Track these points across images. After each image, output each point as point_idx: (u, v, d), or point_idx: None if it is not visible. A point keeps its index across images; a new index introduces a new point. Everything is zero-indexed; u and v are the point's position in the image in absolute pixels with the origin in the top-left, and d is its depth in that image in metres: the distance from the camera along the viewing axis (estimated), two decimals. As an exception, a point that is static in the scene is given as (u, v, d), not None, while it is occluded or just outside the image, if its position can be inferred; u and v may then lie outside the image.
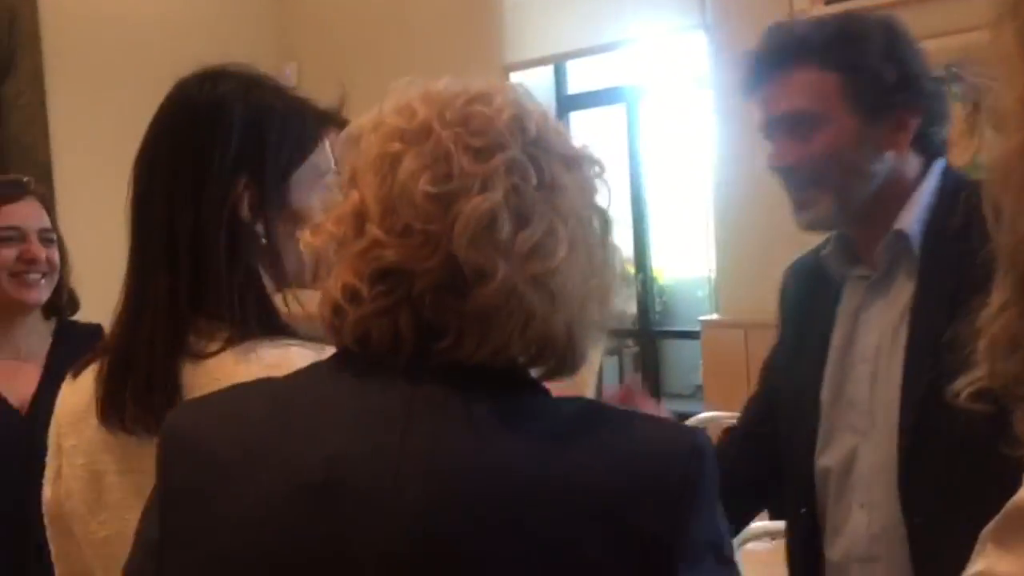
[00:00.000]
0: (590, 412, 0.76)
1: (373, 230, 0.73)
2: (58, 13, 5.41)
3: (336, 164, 1.05)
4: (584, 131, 6.49)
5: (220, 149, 0.99)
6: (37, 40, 5.37)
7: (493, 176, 0.73)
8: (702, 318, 5.53)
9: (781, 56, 1.40)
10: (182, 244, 0.99)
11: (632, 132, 6.21)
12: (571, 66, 4.76)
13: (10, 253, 1.60)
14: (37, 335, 1.70)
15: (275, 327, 1.00)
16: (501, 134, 0.74)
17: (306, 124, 1.03)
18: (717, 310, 5.67)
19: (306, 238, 0.80)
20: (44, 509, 1.09)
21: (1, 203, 1.63)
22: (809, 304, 1.51)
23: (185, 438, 0.78)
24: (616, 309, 0.78)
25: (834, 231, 1.46)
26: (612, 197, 0.80)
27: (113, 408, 0.99)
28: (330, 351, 0.89)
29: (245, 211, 1.00)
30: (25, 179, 1.69)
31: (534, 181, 0.74)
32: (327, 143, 1.05)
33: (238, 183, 0.99)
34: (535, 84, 6.09)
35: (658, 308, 6.67)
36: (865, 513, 1.38)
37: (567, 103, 6.67)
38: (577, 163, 0.78)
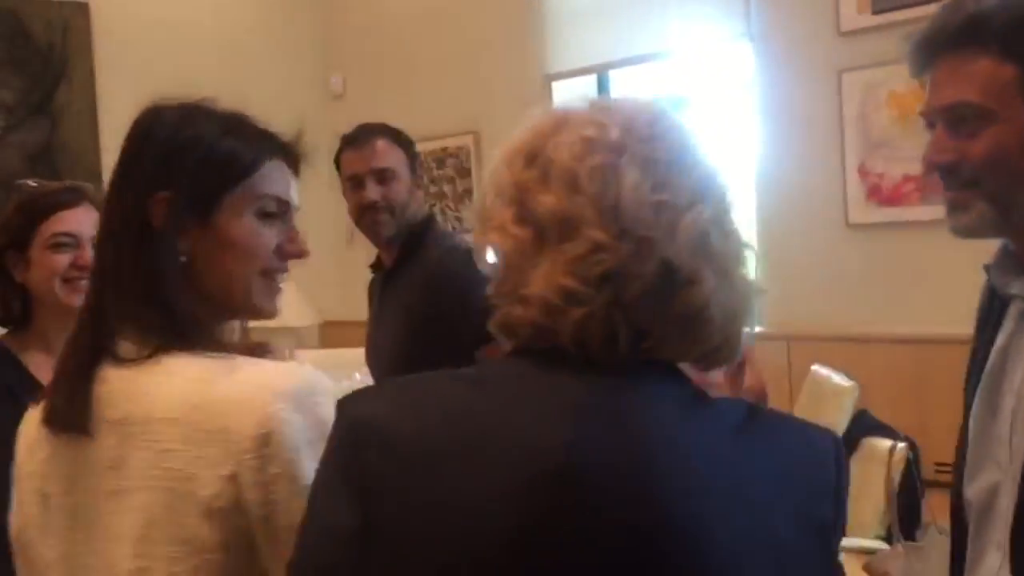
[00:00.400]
0: (750, 408, 0.83)
1: (593, 234, 0.76)
2: (110, 21, 5.53)
3: (283, 191, 1.09)
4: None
5: (141, 165, 1.06)
6: (89, 48, 5.49)
7: (698, 191, 0.80)
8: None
9: (955, 37, 1.22)
10: (105, 254, 1.07)
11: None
12: (614, 76, 4.76)
13: (64, 259, 1.63)
14: None
15: (188, 339, 1.01)
16: (688, 151, 0.82)
17: (243, 151, 1.06)
18: (760, 322, 5.62)
19: (492, 239, 0.83)
20: (11, 537, 1.13)
21: (59, 209, 1.66)
22: (984, 316, 1.37)
23: (379, 429, 0.78)
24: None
25: (1001, 240, 1.30)
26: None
27: (50, 411, 1.06)
28: (240, 361, 0.98)
29: (159, 222, 1.03)
30: (83, 186, 1.72)
31: (722, 195, 0.82)
32: (276, 171, 1.08)
33: (155, 196, 1.03)
34: (577, 94, 6.08)
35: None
36: (999, 556, 1.25)
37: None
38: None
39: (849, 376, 3.07)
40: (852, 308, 3.59)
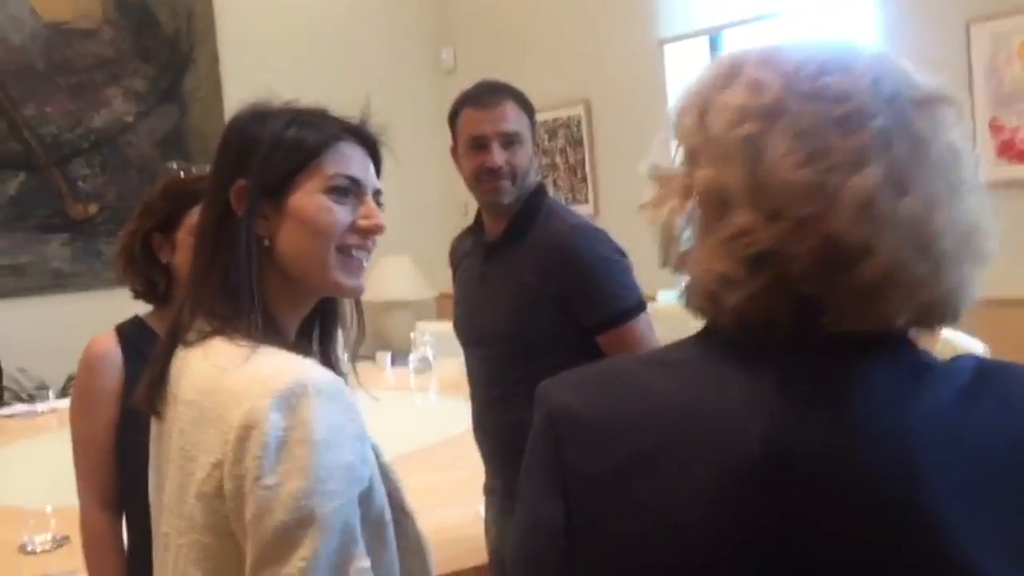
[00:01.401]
0: (981, 366, 0.75)
1: (742, 216, 0.71)
2: (232, 7, 5.72)
3: (351, 170, 1.12)
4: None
5: (222, 158, 1.13)
6: (212, 35, 5.70)
7: (866, 149, 0.69)
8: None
9: None
10: (197, 246, 1.14)
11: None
12: (727, 37, 4.65)
13: None
14: None
15: (239, 325, 1.05)
16: (864, 102, 0.71)
17: (307, 136, 1.10)
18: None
19: (647, 213, 0.78)
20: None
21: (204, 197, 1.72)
22: None
23: (577, 420, 0.75)
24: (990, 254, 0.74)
25: None
26: (968, 136, 0.74)
27: (137, 390, 1.15)
28: (261, 353, 1.01)
29: (239, 207, 1.09)
30: None
31: (905, 145, 0.70)
32: (346, 152, 1.12)
33: (236, 185, 1.09)
34: (692, 59, 5.97)
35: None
36: None
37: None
38: (931, 105, 0.73)
39: (979, 339, 2.95)
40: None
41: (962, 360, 0.75)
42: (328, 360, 1.18)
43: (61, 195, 5.39)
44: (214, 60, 5.69)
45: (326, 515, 0.94)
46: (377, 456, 1.10)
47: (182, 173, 1.75)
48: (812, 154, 0.70)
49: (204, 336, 1.06)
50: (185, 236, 1.69)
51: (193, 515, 1.00)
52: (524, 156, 2.03)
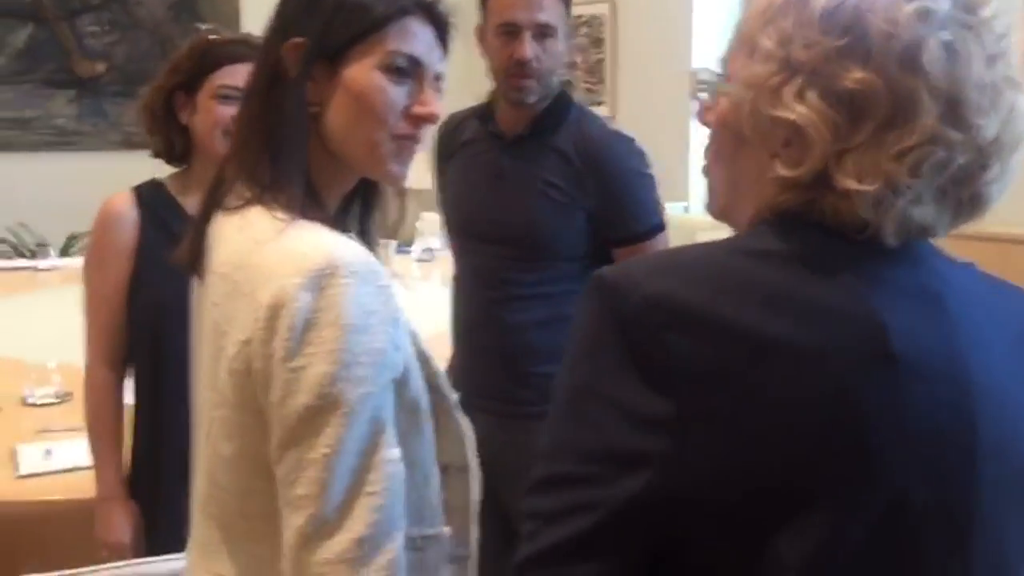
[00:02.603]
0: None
1: (929, 123, 0.71)
2: None
3: (419, 50, 1.04)
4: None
5: (282, 11, 1.06)
6: None
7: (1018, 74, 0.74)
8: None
9: None
10: (244, 104, 1.08)
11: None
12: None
13: (228, 111, 1.64)
14: None
15: (279, 194, 1.00)
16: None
17: (377, 3, 1.03)
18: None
19: (779, 114, 0.74)
20: None
21: (231, 61, 1.67)
22: None
23: (690, 307, 0.71)
24: None
25: None
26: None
27: (178, 253, 1.10)
28: (297, 227, 0.96)
29: (290, 68, 1.03)
30: (252, 38, 1.71)
31: None
32: (412, 28, 1.04)
33: (289, 42, 1.03)
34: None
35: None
36: None
37: None
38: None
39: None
40: None
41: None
42: (367, 242, 1.13)
43: (68, 51, 5.28)
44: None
45: (352, 401, 0.90)
46: (415, 342, 1.06)
47: (212, 36, 1.71)
48: (992, 63, 0.72)
49: (243, 203, 1.02)
50: (206, 100, 1.67)
51: (224, 390, 0.98)
52: (556, 51, 1.89)
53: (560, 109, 1.95)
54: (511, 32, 1.87)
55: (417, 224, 4.66)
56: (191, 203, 1.70)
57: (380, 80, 1.03)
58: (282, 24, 1.05)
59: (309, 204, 1.01)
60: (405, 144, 1.05)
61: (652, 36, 4.74)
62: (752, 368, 0.70)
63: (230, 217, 1.03)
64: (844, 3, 0.73)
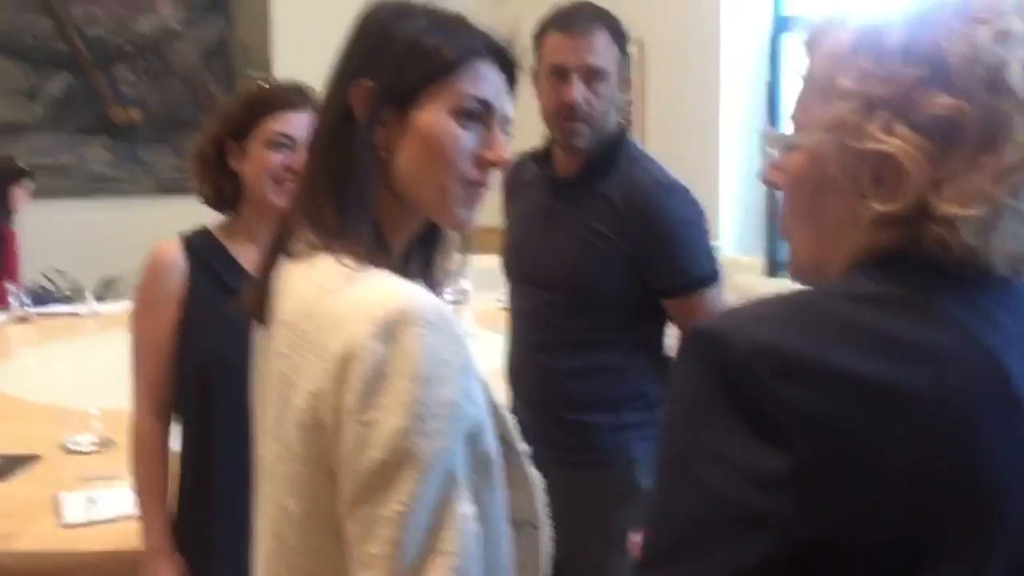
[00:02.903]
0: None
1: (1017, 146, 0.70)
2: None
3: (491, 96, 1.03)
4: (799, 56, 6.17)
5: (351, 57, 1.04)
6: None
7: None
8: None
9: None
10: (310, 150, 1.06)
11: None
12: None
13: (278, 158, 1.65)
14: None
15: (347, 241, 0.97)
16: None
17: (448, 46, 1.01)
18: None
19: (869, 147, 0.73)
20: None
21: (283, 109, 1.68)
22: None
23: (798, 356, 0.68)
24: None
25: None
26: None
27: (244, 302, 1.09)
28: (367, 275, 0.93)
29: (359, 112, 1.01)
30: (311, 90, 1.68)
31: None
32: (482, 72, 1.03)
33: (358, 85, 1.01)
34: (750, 5, 5.83)
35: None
36: None
37: (782, 24, 6.36)
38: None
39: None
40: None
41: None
42: (430, 286, 1.10)
43: (104, 98, 5.37)
44: (263, -29, 5.60)
45: (426, 456, 0.87)
46: (486, 392, 1.03)
47: (263, 83, 1.72)
48: None
49: (309, 250, 1.00)
50: (257, 147, 1.67)
51: (292, 443, 0.96)
52: (607, 95, 1.85)
53: (612, 153, 1.91)
54: (560, 74, 1.84)
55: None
56: (240, 251, 1.71)
57: (451, 124, 1.01)
58: (349, 67, 1.04)
59: (377, 250, 0.99)
60: (473, 189, 1.04)
61: (680, 76, 4.75)
62: (869, 415, 0.67)
63: (296, 265, 1.01)
64: (920, 33, 0.72)
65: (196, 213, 1.80)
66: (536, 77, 1.91)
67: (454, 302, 4.88)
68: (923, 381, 0.68)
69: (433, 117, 1.01)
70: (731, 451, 0.68)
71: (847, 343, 0.69)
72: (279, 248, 1.05)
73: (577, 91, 1.83)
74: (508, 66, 1.07)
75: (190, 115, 5.26)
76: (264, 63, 5.43)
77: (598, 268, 1.87)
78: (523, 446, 1.11)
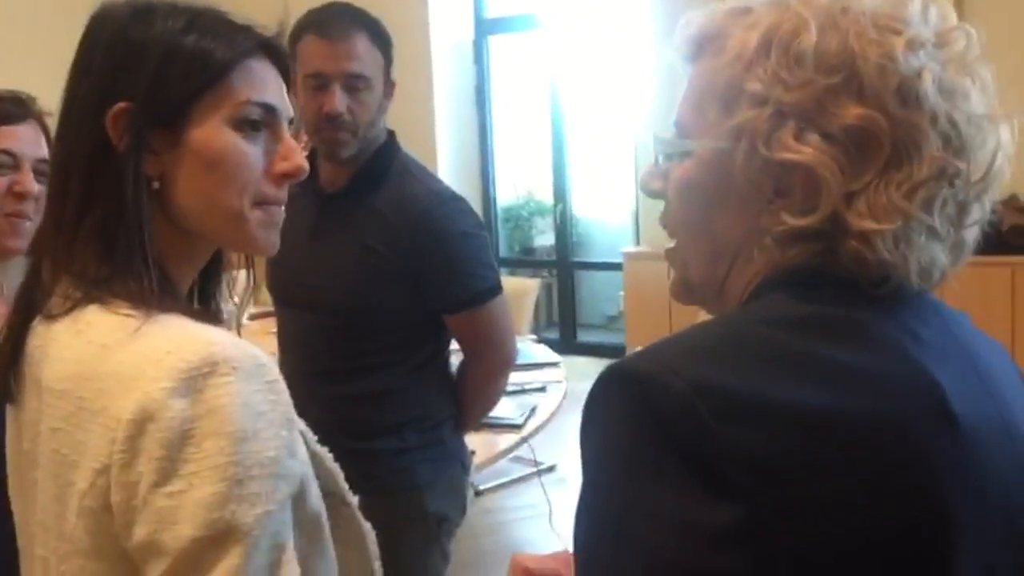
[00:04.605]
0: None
1: (936, 156, 0.68)
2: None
3: (262, 93, 0.89)
4: (503, 58, 6.34)
5: (91, 76, 0.87)
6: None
7: (992, 103, 0.72)
8: (624, 249, 5.55)
9: None
10: (54, 188, 0.89)
11: (553, 60, 6.06)
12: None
13: (0, 182, 1.36)
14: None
15: (143, 291, 0.83)
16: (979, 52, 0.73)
17: (213, 48, 0.87)
18: (639, 242, 5.70)
19: (784, 157, 0.68)
20: None
21: (1, 123, 1.38)
22: None
23: (739, 395, 0.62)
24: None
25: None
26: None
27: None
28: (156, 322, 0.80)
29: (118, 141, 0.85)
30: (31, 99, 1.42)
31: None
32: (258, 72, 0.89)
33: (111, 110, 0.85)
34: (452, 6, 5.89)
35: (574, 239, 6.67)
36: None
37: (486, 27, 6.48)
38: None
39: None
40: None
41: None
42: (214, 317, 0.95)
43: None
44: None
45: (248, 526, 0.75)
46: (307, 443, 0.90)
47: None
48: (977, 90, 0.70)
49: (73, 305, 0.83)
50: None
51: (76, 535, 0.79)
52: (372, 104, 1.73)
53: (381, 164, 1.78)
54: (321, 84, 1.71)
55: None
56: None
57: (233, 138, 0.87)
58: (94, 86, 0.86)
59: (162, 293, 0.83)
60: (272, 208, 0.90)
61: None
62: (818, 450, 0.63)
63: (56, 323, 0.84)
64: (832, 39, 0.69)
65: None
66: (293, 83, 1.74)
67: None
68: (865, 407, 0.65)
69: (210, 133, 0.86)
70: (676, 507, 0.61)
71: (784, 374, 0.65)
72: (28, 308, 0.87)
73: (339, 100, 1.70)
74: (282, 60, 0.93)
75: None
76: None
77: (374, 287, 1.74)
78: (352, 498, 0.99)
